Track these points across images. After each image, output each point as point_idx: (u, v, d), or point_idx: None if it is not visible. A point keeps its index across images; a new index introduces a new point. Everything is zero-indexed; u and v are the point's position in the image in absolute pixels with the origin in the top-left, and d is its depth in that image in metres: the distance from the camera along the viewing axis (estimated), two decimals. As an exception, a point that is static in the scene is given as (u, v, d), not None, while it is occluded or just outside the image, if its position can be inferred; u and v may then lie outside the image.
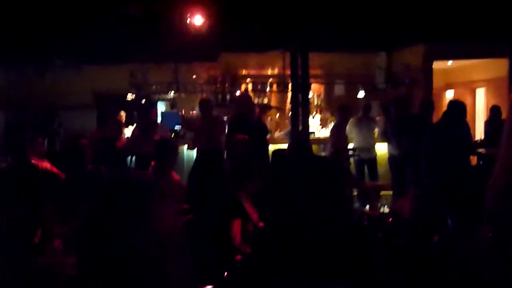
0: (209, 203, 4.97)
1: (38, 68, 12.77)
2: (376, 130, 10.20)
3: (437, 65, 12.26)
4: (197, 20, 11.81)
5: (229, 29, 11.90)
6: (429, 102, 9.13)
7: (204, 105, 9.24)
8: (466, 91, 13.52)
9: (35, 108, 12.25)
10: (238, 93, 12.25)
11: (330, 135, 9.92)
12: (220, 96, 12.63)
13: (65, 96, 12.68)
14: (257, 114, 9.06)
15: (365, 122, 10.08)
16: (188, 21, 11.76)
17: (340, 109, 9.96)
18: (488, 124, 10.84)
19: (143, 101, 12.83)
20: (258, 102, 12.07)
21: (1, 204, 3.24)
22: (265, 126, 9.28)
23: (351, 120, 9.93)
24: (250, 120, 8.58)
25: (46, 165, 6.21)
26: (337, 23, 11.61)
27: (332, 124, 10.52)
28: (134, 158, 9.08)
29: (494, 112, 10.58)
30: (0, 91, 12.71)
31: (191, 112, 12.35)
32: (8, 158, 7.65)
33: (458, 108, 7.24)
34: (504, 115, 10.64)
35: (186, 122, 10.97)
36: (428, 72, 11.92)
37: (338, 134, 9.60)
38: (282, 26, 10.49)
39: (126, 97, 12.81)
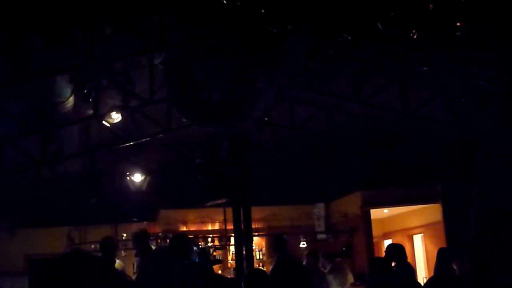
0: None
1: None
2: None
3: (374, 215, 12.55)
4: (137, 177, 11.86)
5: (169, 184, 11.95)
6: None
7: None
8: (403, 239, 13.74)
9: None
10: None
11: None
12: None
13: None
14: None
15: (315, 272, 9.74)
16: (127, 179, 11.79)
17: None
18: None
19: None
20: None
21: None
22: None
23: None
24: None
25: None
26: (278, 177, 11.94)
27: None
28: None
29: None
30: None
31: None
32: None
33: (398, 251, 7.41)
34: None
35: None
36: (366, 219, 12.19)
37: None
38: (225, 180, 10.59)
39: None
